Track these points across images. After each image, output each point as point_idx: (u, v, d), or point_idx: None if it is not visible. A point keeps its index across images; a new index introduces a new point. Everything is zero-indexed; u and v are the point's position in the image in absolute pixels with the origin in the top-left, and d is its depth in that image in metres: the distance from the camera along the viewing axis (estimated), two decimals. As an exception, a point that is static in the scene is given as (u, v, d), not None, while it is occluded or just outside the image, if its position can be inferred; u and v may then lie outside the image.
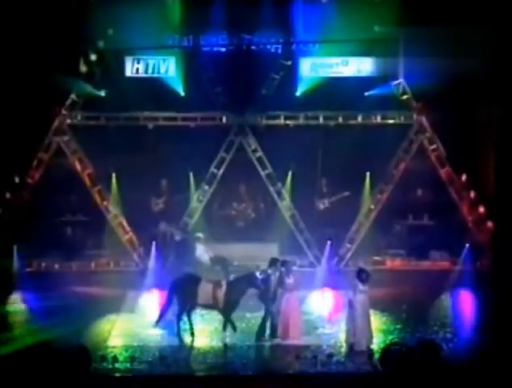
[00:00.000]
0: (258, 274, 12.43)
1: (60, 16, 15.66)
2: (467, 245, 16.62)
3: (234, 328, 12.44)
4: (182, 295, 12.45)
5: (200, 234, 16.42)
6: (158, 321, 12.80)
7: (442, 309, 14.27)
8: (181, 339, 12.45)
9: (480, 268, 16.85)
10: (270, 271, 12.51)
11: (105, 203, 17.37)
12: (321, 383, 10.62)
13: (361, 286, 11.92)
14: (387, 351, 9.16)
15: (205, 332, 13.06)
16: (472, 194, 17.38)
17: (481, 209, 17.27)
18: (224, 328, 12.48)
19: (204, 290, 12.35)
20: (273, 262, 12.72)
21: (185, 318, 12.64)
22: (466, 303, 14.89)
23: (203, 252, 16.33)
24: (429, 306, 14.08)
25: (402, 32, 16.44)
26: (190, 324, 12.62)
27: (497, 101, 17.15)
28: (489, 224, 17.16)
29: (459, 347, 12.35)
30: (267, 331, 12.49)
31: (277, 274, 12.43)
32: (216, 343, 12.44)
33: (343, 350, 12.03)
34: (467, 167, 17.52)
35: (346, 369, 11.35)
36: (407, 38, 16.43)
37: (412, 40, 16.30)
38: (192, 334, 12.55)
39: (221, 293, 12.32)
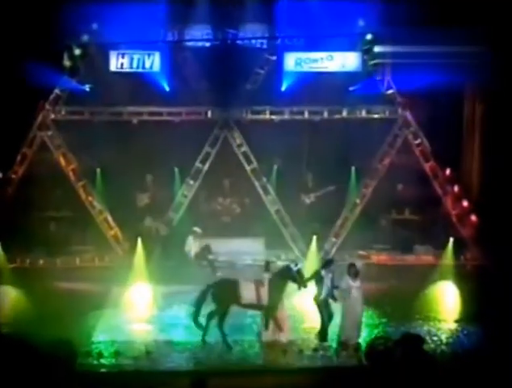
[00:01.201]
0: (292, 265, 12.21)
1: (44, 10, 15.54)
2: (452, 239, 16.71)
3: (267, 326, 12.20)
4: (222, 300, 12.10)
5: (198, 229, 16.44)
6: (196, 323, 12.29)
7: (426, 302, 14.33)
8: (204, 343, 12.07)
9: (464, 262, 16.99)
10: (323, 272, 12.27)
11: (89, 198, 17.31)
12: (307, 377, 10.67)
13: (351, 282, 11.90)
14: (372, 345, 9.24)
15: (191, 328, 13.08)
16: (456, 188, 17.49)
17: (465, 204, 17.38)
18: (266, 326, 12.14)
19: (247, 291, 12.08)
20: (327, 263, 12.53)
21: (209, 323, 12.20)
22: (450, 297, 14.97)
23: (192, 247, 16.37)
24: (413, 300, 14.13)
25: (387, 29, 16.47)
26: (222, 330, 12.12)
27: (482, 96, 17.29)
28: (473, 218, 17.29)
29: (444, 340, 12.45)
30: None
31: (330, 275, 12.21)
32: (203, 338, 12.45)
33: (328, 344, 12.05)
34: (451, 162, 17.62)
35: (331, 362, 11.41)
36: (392, 34, 16.47)
37: (397, 38, 16.34)
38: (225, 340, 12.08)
39: (264, 291, 12.07)
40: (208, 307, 12.22)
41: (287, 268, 12.25)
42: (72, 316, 12.92)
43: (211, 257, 16.36)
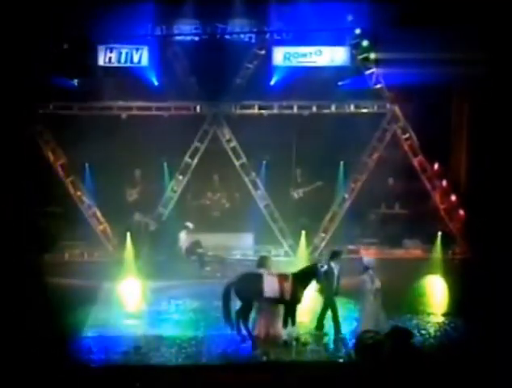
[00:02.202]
0: (320, 266, 12.16)
1: (31, 5, 15.45)
2: (440, 233, 16.79)
3: (294, 322, 12.12)
4: (247, 293, 12.00)
5: (190, 224, 16.44)
6: (229, 325, 12.14)
7: (414, 296, 14.40)
8: (243, 337, 11.96)
9: (453, 256, 17.09)
10: (333, 264, 12.29)
11: (78, 193, 17.27)
12: (297, 371, 10.71)
13: (365, 276, 11.91)
14: (360, 339, 9.29)
15: (181, 322, 13.10)
16: (445, 183, 17.56)
17: (453, 198, 17.46)
18: (286, 324, 12.04)
19: (271, 284, 11.96)
20: (335, 254, 12.54)
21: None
22: (438, 290, 15.05)
23: (183, 242, 16.39)
24: (402, 294, 14.19)
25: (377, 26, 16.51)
26: (247, 326, 12.06)
27: (471, 90, 17.35)
28: (461, 212, 17.37)
29: (432, 333, 12.52)
30: (326, 325, 12.38)
31: (338, 267, 12.24)
32: (192, 333, 12.47)
33: (320, 338, 12.12)
34: (439, 156, 17.69)
35: (321, 357, 11.46)
36: (382, 30, 16.51)
37: (387, 33, 16.37)
38: (250, 335, 12.03)
39: (288, 285, 11.97)
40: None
41: (315, 267, 12.17)
42: (61, 311, 12.90)
43: (200, 251, 16.40)
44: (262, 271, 12.23)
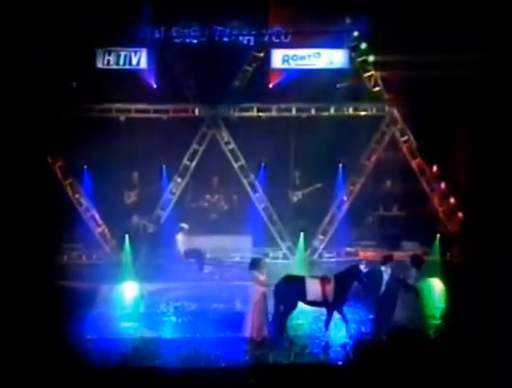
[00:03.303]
0: (362, 267, 12.06)
1: (29, 7, 15.45)
2: (438, 235, 16.81)
3: (346, 322, 12.13)
4: (289, 296, 11.99)
5: (185, 225, 16.43)
6: (275, 329, 12.15)
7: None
8: (280, 340, 11.94)
9: (451, 258, 17.09)
10: (383, 267, 12.14)
11: (76, 196, 17.27)
12: (295, 374, 10.69)
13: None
14: (359, 341, 9.30)
15: (179, 324, 13.09)
16: (443, 185, 17.58)
17: (452, 200, 17.49)
18: (327, 326, 12.09)
19: (313, 287, 11.96)
20: (387, 258, 12.37)
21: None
22: (437, 292, 15.05)
23: (181, 244, 16.38)
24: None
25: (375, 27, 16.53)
26: (286, 329, 12.08)
27: (471, 93, 17.35)
28: (460, 214, 17.39)
29: (431, 336, 12.51)
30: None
31: (389, 271, 12.09)
32: (190, 335, 12.47)
33: (317, 341, 12.12)
34: (438, 159, 17.71)
35: (319, 360, 11.44)
36: (380, 31, 16.52)
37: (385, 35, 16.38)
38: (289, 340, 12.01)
39: (330, 287, 11.95)
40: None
41: (357, 269, 12.11)
42: (59, 314, 12.89)
43: (199, 253, 16.40)
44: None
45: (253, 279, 12.18)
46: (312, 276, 12.23)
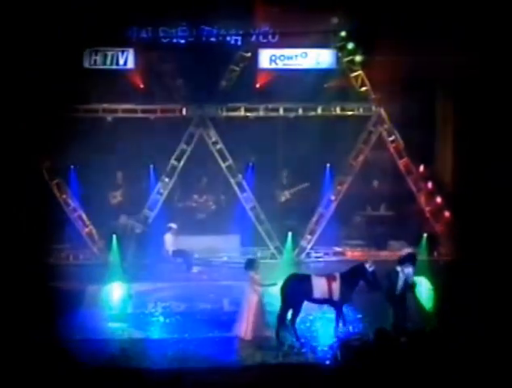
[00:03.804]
0: (367, 265, 12.11)
1: (17, 7, 15.38)
2: (425, 235, 16.89)
3: (345, 322, 12.22)
4: (297, 295, 12.05)
5: (173, 225, 16.41)
6: (280, 328, 12.17)
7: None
8: (281, 341, 11.99)
9: (438, 257, 17.18)
10: (399, 268, 12.13)
11: (64, 196, 17.20)
12: (283, 373, 10.72)
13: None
14: (347, 341, 9.33)
15: (167, 325, 13.08)
16: (430, 185, 17.65)
17: (438, 200, 17.55)
18: (337, 324, 12.12)
19: (319, 284, 12.03)
20: (407, 258, 12.30)
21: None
22: (424, 291, 15.11)
23: (169, 244, 16.35)
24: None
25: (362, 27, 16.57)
26: (295, 328, 12.12)
27: (455, 93, 17.45)
28: (446, 214, 17.47)
29: (415, 335, 12.55)
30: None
31: (405, 271, 12.07)
32: (178, 335, 12.46)
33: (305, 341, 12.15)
34: (424, 158, 17.79)
35: (306, 360, 11.47)
36: (367, 31, 16.57)
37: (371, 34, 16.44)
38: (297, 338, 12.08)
39: (336, 285, 12.01)
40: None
41: (363, 268, 12.16)
42: (47, 315, 12.84)
43: (186, 253, 16.38)
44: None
45: (250, 279, 12.22)
46: (319, 274, 12.33)
